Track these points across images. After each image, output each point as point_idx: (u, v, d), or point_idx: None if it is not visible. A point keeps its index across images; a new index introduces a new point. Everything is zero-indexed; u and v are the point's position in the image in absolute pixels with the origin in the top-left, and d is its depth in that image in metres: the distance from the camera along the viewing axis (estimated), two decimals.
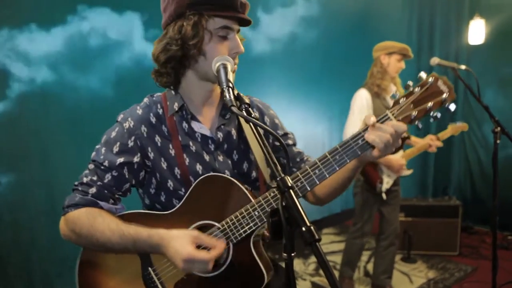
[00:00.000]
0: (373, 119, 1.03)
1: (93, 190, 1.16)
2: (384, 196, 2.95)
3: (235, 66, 1.16)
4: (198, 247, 1.07)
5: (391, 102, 3.63)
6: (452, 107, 1.03)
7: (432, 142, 3.00)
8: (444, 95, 1.03)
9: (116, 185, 1.18)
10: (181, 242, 1.05)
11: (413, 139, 3.13)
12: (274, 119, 1.36)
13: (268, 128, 0.83)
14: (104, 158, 1.17)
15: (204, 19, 1.10)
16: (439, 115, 1.04)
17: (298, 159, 1.35)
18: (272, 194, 1.11)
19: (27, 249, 2.71)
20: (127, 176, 1.18)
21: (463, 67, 2.44)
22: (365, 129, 1.05)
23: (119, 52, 3.05)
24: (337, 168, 1.06)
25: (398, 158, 2.89)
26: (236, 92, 0.99)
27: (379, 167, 2.92)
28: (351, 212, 5.04)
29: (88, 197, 1.16)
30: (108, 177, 1.17)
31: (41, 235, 2.70)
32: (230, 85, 0.98)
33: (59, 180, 2.69)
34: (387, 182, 2.93)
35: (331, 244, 4.34)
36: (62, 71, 2.81)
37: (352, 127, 2.85)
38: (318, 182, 1.07)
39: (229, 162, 1.24)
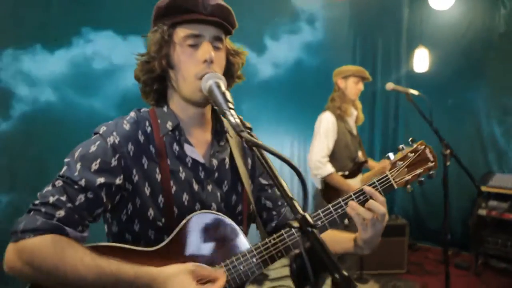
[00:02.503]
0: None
1: (60, 213, 0.95)
2: (346, 221, 2.93)
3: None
4: (198, 281, 0.93)
5: (353, 126, 3.64)
6: (434, 175, 1.20)
7: (388, 165, 3.05)
8: (430, 164, 1.18)
9: (88, 209, 0.99)
10: (182, 281, 0.89)
11: (370, 163, 3.18)
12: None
13: (281, 155, 0.72)
14: (80, 176, 0.97)
15: (163, 31, 1.01)
16: (423, 180, 1.20)
17: (279, 203, 1.26)
18: (272, 241, 1.01)
19: None
20: (104, 200, 1.00)
21: (416, 92, 2.55)
22: (371, 183, 1.15)
23: (122, 76, 3.08)
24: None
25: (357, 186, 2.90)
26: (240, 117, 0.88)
27: (343, 193, 2.90)
28: None
29: (53, 221, 0.94)
30: (81, 198, 0.97)
31: None
32: (232, 106, 0.87)
33: None
34: None
35: (283, 268, 4.26)
36: (65, 93, 2.84)
37: (318, 149, 2.82)
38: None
39: (218, 193, 1.12)
